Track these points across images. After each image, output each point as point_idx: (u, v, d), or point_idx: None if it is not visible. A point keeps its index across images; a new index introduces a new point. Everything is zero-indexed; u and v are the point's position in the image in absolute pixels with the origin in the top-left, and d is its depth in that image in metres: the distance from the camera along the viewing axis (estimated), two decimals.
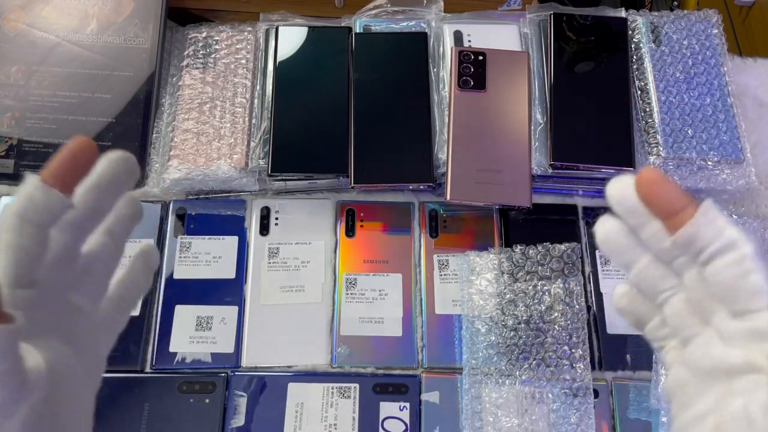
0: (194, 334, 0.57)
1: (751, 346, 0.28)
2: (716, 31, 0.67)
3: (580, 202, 0.65)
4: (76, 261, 0.32)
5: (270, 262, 0.60)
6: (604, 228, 0.33)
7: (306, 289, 0.60)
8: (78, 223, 0.32)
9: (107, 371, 0.34)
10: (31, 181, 0.29)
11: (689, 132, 0.62)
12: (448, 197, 0.59)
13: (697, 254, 0.29)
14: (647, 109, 0.63)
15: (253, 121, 0.64)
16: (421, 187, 0.63)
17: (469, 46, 0.66)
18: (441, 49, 0.67)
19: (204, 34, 0.68)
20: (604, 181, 0.64)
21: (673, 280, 0.31)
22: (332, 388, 0.55)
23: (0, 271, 0.28)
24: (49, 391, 0.28)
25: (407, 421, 0.54)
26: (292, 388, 0.55)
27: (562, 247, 0.59)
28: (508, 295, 0.58)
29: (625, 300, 0.34)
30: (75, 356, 0.31)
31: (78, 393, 0.31)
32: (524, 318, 0.57)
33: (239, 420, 0.54)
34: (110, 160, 0.32)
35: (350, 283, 0.60)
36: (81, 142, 0.30)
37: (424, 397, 0.55)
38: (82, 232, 0.32)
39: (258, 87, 0.66)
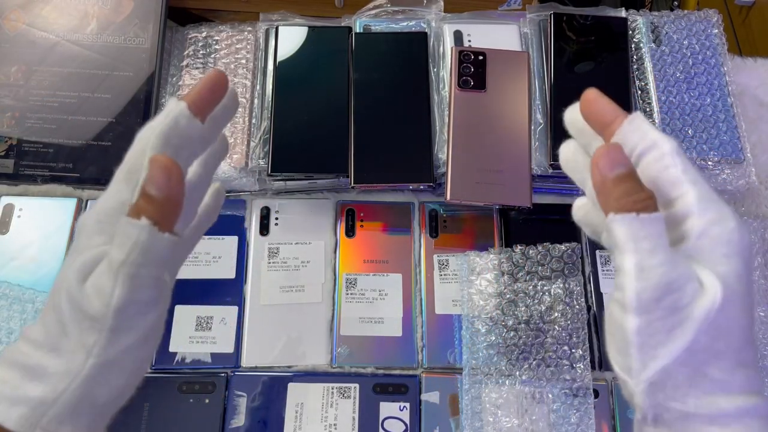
0: (194, 334, 0.57)
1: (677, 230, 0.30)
2: (716, 31, 0.67)
3: None
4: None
5: (270, 262, 0.60)
6: (563, 150, 0.36)
7: (306, 289, 0.60)
8: (199, 151, 0.33)
9: None
10: (179, 107, 0.31)
11: (689, 132, 0.62)
12: (448, 197, 0.59)
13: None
14: (647, 109, 0.63)
15: (253, 121, 0.64)
16: (421, 187, 0.63)
17: (469, 46, 0.66)
18: (441, 49, 0.67)
19: (204, 34, 0.68)
20: None
21: None
22: (332, 388, 0.55)
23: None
24: (161, 311, 0.31)
25: (407, 421, 0.54)
26: (292, 388, 0.55)
27: (562, 247, 0.59)
28: (508, 296, 0.58)
29: (582, 212, 0.37)
30: (170, 283, 0.33)
31: (161, 321, 0.33)
32: (524, 318, 0.57)
33: (239, 420, 0.54)
34: (231, 97, 0.34)
35: (350, 283, 0.60)
36: (219, 75, 0.33)
37: (424, 397, 0.55)
38: (195, 158, 0.34)
39: (258, 87, 0.66)
